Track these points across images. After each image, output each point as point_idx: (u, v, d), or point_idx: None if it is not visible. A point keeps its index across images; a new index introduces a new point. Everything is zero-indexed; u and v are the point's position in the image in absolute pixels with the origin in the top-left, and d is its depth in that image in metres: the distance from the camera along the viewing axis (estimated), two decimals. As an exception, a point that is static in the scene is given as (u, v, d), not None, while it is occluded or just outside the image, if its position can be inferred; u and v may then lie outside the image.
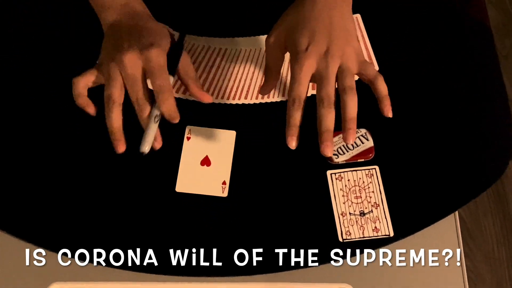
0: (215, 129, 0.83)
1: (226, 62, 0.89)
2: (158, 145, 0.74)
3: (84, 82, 0.74)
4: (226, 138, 0.83)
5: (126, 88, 0.72)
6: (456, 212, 0.81)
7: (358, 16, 0.92)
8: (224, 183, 0.80)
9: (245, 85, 0.88)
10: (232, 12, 0.93)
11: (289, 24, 0.75)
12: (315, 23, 0.73)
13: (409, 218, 0.78)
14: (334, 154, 0.80)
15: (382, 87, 0.72)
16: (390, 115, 0.72)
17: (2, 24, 0.92)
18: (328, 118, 0.68)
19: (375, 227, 0.78)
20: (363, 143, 0.82)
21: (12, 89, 0.87)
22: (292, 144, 0.69)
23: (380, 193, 0.80)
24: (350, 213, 0.78)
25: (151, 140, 0.71)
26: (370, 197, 0.79)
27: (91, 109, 0.74)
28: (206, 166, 0.81)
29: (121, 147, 0.72)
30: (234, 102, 0.86)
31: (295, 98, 0.69)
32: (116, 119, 0.71)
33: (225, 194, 0.80)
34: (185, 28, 0.91)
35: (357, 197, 0.79)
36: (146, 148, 0.71)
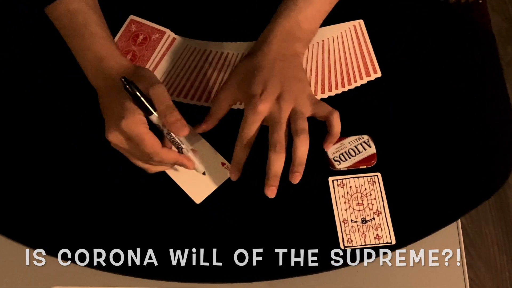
0: None
1: (223, 66, 0.89)
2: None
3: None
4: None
5: None
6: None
7: (361, 21, 0.92)
8: (223, 164, 0.81)
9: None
10: (232, 12, 0.93)
11: (241, 75, 0.79)
12: (267, 72, 0.77)
13: (411, 226, 0.78)
14: (336, 161, 0.80)
15: (336, 124, 0.77)
16: (327, 150, 0.79)
17: (2, 24, 0.92)
18: (277, 164, 0.74)
19: (377, 234, 0.77)
20: (365, 149, 0.81)
21: (12, 89, 0.87)
22: (232, 176, 0.78)
23: (382, 200, 0.79)
24: (351, 220, 0.78)
25: (198, 162, 0.78)
26: (372, 204, 0.79)
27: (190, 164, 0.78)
28: None
29: (190, 166, 0.78)
30: (235, 107, 0.85)
31: (243, 138, 0.76)
32: (169, 157, 0.75)
33: (236, 178, 0.79)
34: (184, 29, 0.91)
35: (359, 204, 0.79)
36: (201, 170, 0.79)
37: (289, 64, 0.79)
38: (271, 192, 0.74)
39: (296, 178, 0.74)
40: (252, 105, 0.75)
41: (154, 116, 0.72)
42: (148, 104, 0.72)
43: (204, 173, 0.79)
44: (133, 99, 0.71)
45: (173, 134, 0.74)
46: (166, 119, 0.72)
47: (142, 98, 0.71)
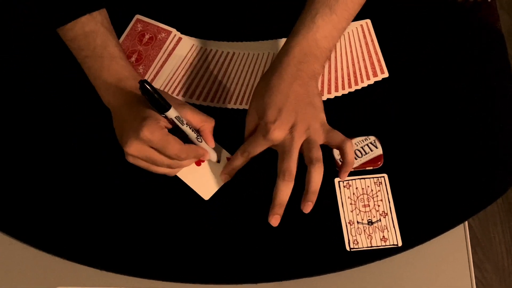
0: None
1: (229, 65, 0.88)
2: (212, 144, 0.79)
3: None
4: None
5: None
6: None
7: (368, 21, 0.91)
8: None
9: (246, 90, 0.87)
10: (237, 12, 0.93)
11: (258, 98, 0.78)
12: (282, 97, 0.75)
13: (418, 228, 0.77)
14: (342, 162, 0.79)
15: (350, 152, 0.75)
16: (343, 179, 0.78)
17: (2, 24, 0.92)
18: (284, 193, 0.73)
19: (383, 236, 0.76)
20: (372, 150, 0.81)
21: (12, 89, 0.87)
22: (223, 178, 0.78)
23: (389, 202, 0.78)
24: (358, 222, 0.77)
25: (211, 150, 0.79)
26: (379, 206, 0.78)
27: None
28: (202, 162, 0.81)
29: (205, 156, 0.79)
30: (241, 107, 0.85)
31: (245, 152, 0.76)
32: (193, 151, 0.76)
33: (225, 180, 0.79)
34: (190, 29, 0.91)
35: (365, 206, 0.78)
36: (214, 158, 0.80)
37: (306, 88, 0.77)
38: (275, 220, 0.73)
39: (308, 207, 0.72)
40: (265, 131, 0.74)
41: (170, 112, 0.72)
42: (162, 100, 0.72)
43: (218, 161, 0.80)
44: (148, 98, 0.71)
45: (188, 128, 0.75)
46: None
47: (155, 95, 0.71)
